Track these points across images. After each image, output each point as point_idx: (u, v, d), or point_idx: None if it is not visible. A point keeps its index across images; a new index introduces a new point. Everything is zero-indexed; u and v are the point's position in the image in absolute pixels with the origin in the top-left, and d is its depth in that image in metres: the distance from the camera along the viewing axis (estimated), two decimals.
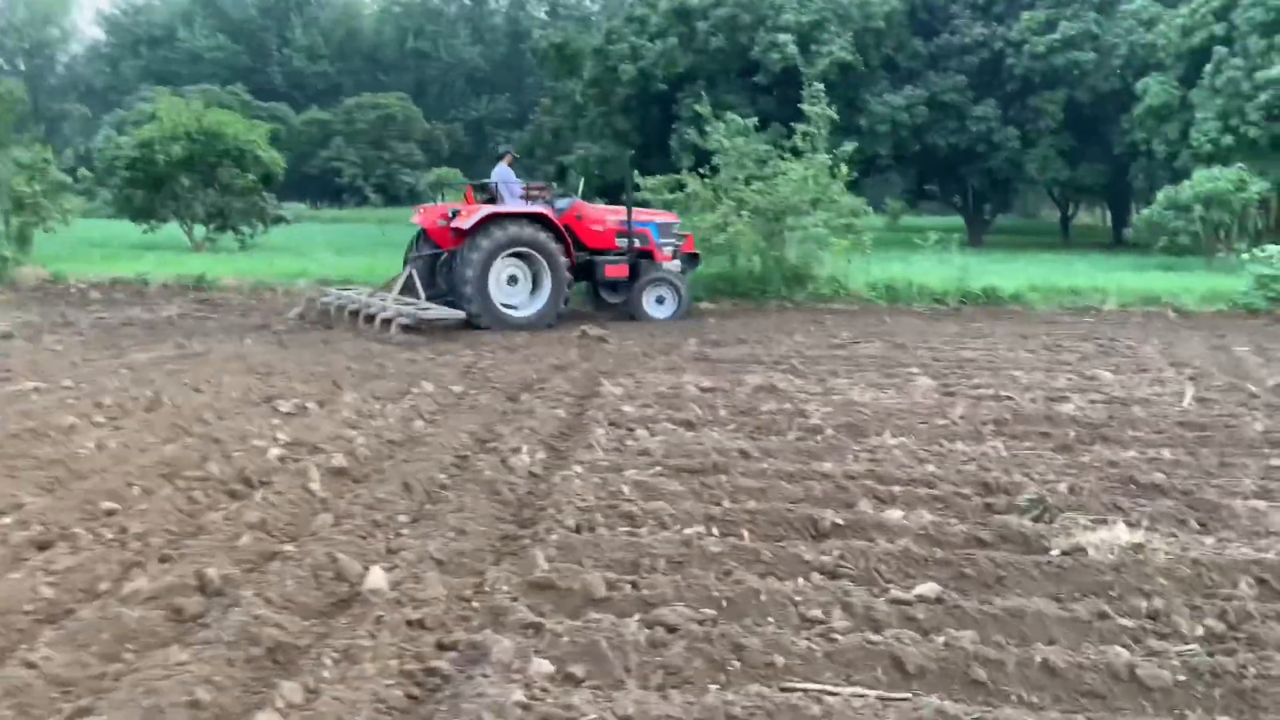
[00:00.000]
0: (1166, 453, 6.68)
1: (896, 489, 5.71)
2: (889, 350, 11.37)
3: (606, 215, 14.32)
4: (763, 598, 4.12)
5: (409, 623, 3.87)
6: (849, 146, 17.16)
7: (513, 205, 13.44)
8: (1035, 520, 5.23)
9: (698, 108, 17.94)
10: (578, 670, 3.56)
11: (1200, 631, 3.94)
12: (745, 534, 5.00)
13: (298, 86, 67.94)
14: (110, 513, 5.13)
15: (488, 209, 13.08)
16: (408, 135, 58.93)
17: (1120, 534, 4.86)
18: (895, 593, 4.23)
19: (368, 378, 9.16)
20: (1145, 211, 22.81)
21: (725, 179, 16.63)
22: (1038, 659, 3.60)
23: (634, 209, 14.46)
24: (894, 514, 5.31)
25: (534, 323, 12.83)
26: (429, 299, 13.00)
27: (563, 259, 13.10)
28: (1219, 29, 26.48)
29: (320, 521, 5.04)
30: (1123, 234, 33.22)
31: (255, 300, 16.17)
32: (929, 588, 4.24)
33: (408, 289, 13.28)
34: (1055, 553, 4.74)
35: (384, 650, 3.63)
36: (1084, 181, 33.81)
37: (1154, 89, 28.05)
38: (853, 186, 17.59)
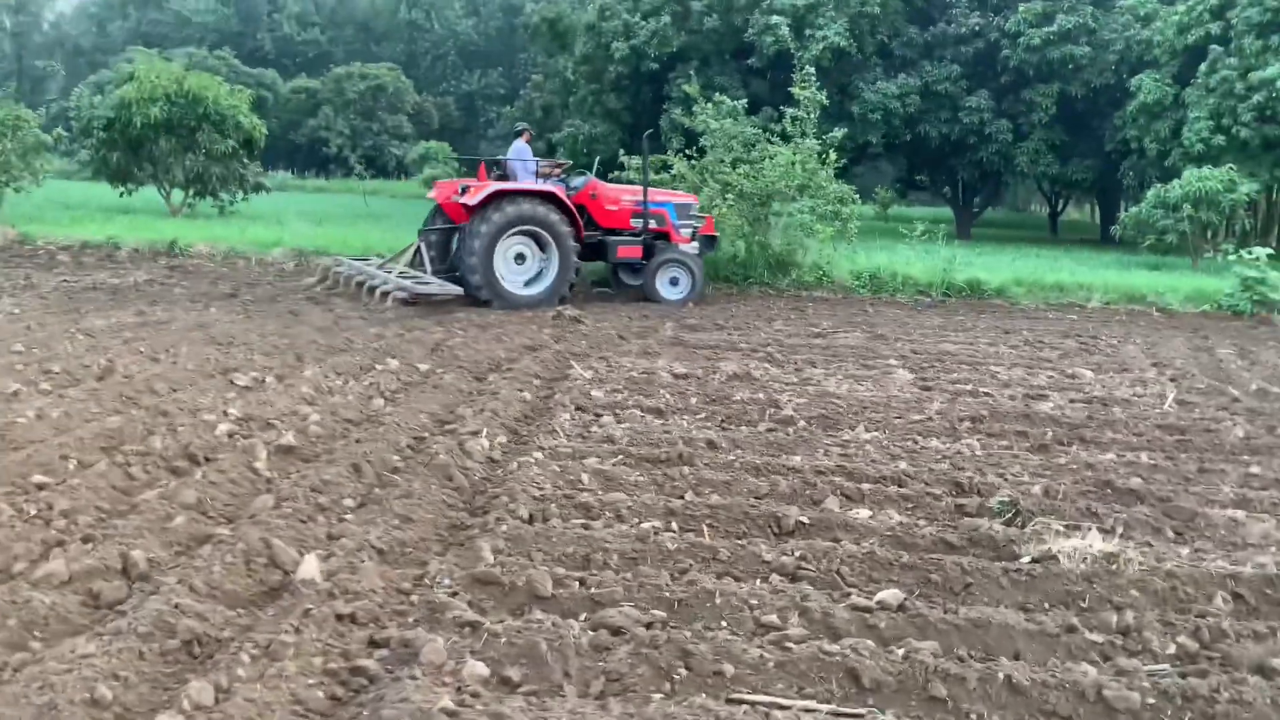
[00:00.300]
0: (1145, 457, 6.52)
1: (866, 486, 5.51)
2: (869, 341, 11.18)
3: (622, 195, 14.02)
4: (717, 600, 3.91)
5: (339, 616, 3.65)
6: (839, 133, 16.90)
7: (522, 182, 13.20)
8: (1007, 524, 5.05)
9: (686, 88, 17.66)
10: (514, 674, 3.35)
11: (1172, 650, 3.76)
12: (705, 530, 4.80)
13: (287, 53, 67.13)
14: (41, 486, 4.87)
15: (495, 185, 12.87)
16: (397, 107, 58.33)
17: (1093, 542, 4.67)
18: (856, 599, 4.03)
19: (332, 352, 8.91)
20: (1133, 209, 22.65)
21: (711, 161, 16.38)
22: (1001, 675, 3.41)
23: (651, 189, 14.19)
24: (861, 513, 5.12)
25: (540, 301, 12.63)
26: (443, 274, 12.82)
27: (571, 238, 12.84)
28: (1215, 28, 26.30)
29: (260, 503, 4.80)
30: (1111, 231, 33.11)
31: (228, 268, 15.83)
32: (892, 594, 4.04)
33: (416, 262, 13.16)
34: (1025, 560, 4.55)
35: (308, 646, 3.41)
36: (1074, 177, 33.62)
37: (1148, 86, 27.87)
38: (842, 174, 17.36)
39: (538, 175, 13.67)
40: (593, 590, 3.97)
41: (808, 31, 30.30)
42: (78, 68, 65.63)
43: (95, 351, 8.28)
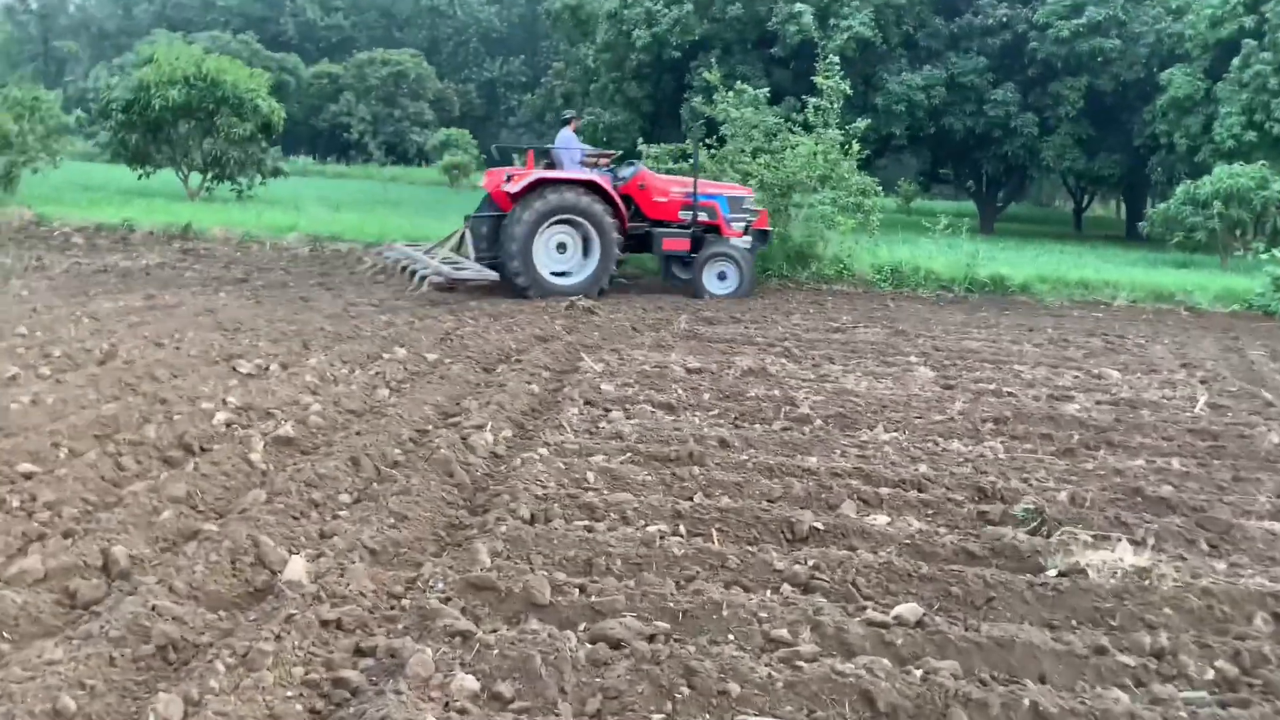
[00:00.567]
0: (1176, 463, 6.25)
1: (884, 490, 5.28)
2: (889, 337, 10.91)
3: (671, 186, 13.68)
4: (724, 612, 3.70)
5: (324, 622, 3.46)
6: (862, 123, 16.59)
7: (566, 171, 13.01)
8: (1031, 533, 4.81)
9: (707, 75, 17.37)
10: (505, 689, 3.15)
11: (1210, 675, 3.52)
12: (714, 535, 4.58)
13: (310, 38, 67.14)
14: (28, 476, 4.71)
15: (538, 173, 12.70)
16: (419, 94, 58.23)
17: (1124, 555, 4.44)
18: (872, 613, 3.81)
19: (339, 340, 8.73)
20: (1161, 205, 22.21)
21: (732, 150, 16.10)
22: (1026, 701, 3.18)
23: (704, 181, 13.91)
24: (879, 519, 4.89)
25: (579, 291, 12.41)
26: (487, 261, 12.71)
27: (613, 229, 12.61)
28: (1249, 21, 25.74)
29: (252, 498, 4.62)
30: (1138, 228, 32.59)
31: (241, 253, 15.69)
32: (909, 609, 3.82)
33: (462, 249, 13.09)
34: (1052, 572, 4.32)
35: (289, 655, 3.22)
36: (1101, 172, 33.07)
37: (1179, 80, 27.33)
38: (865, 166, 17.03)
39: (585, 164, 13.44)
40: (593, 598, 3.76)
41: (832, 21, 29.91)
42: (103, 51, 65.84)
43: (99, 335, 8.14)
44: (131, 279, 12.04)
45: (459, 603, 3.70)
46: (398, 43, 63.52)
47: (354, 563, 3.94)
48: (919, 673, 3.33)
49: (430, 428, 6.11)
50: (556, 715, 3.07)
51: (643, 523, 4.65)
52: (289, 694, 3.04)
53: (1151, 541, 4.74)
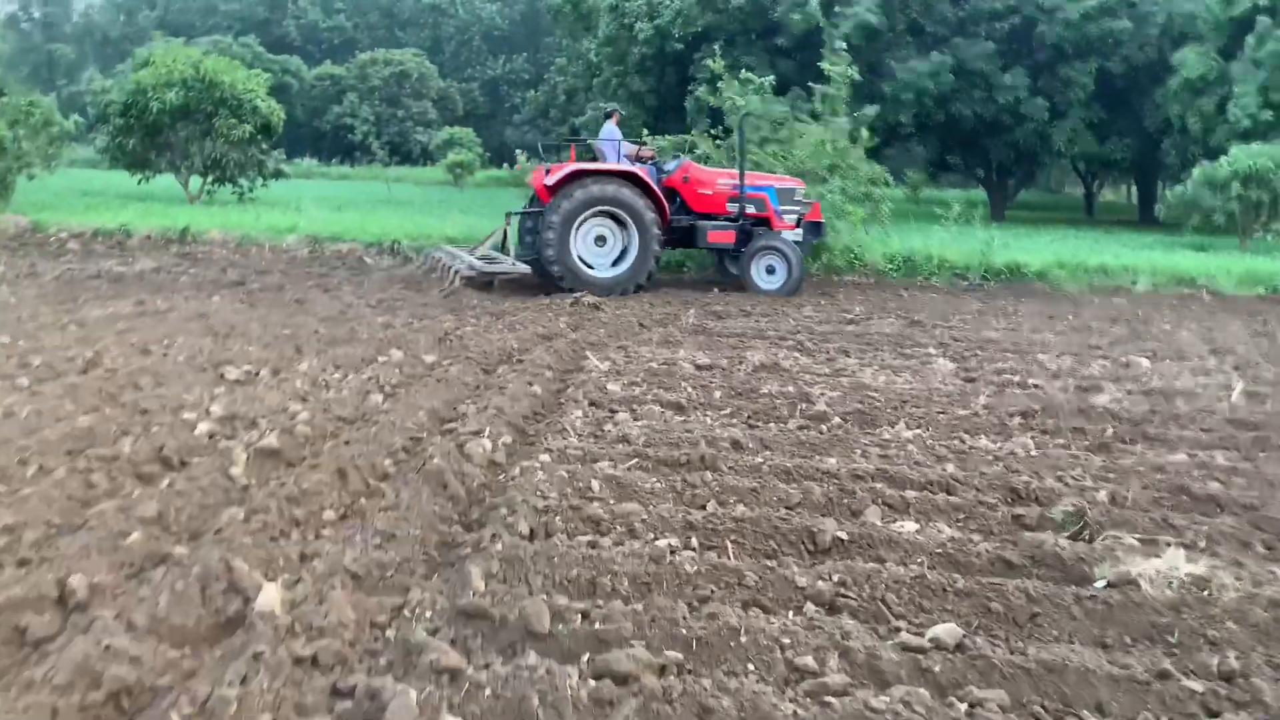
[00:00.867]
0: (1220, 457, 5.87)
1: (910, 494, 4.91)
2: (905, 328, 10.54)
3: (717, 179, 13.34)
4: (743, 638, 3.33)
5: (298, 660, 3.10)
6: (870, 111, 16.18)
7: (605, 164, 12.71)
8: (1073, 539, 4.44)
9: (710, 64, 16.98)
10: None
11: None
12: (729, 548, 4.22)
13: (312, 40, 66.90)
14: None
15: (574, 165, 12.44)
16: (422, 93, 57.90)
17: (1177, 561, 4.07)
18: (906, 635, 3.45)
19: (334, 343, 8.39)
20: (1178, 188, 21.74)
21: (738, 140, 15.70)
22: None
23: (753, 173, 13.55)
24: (907, 526, 4.52)
25: (617, 285, 12.15)
26: (527, 256, 12.52)
27: (654, 222, 12.25)
28: None
29: (229, 516, 4.26)
30: (1154, 211, 32.02)
31: (239, 256, 15.37)
32: (947, 629, 3.45)
33: (504, 245, 13.02)
34: (1100, 584, 3.95)
35: (255, 700, 2.87)
36: (1113, 156, 32.56)
37: (1191, 61, 26.79)
38: (873, 155, 16.63)
39: (628, 158, 13.12)
40: (597, 625, 3.40)
41: (837, 8, 29.42)
42: (106, 57, 65.67)
43: (84, 343, 7.82)
44: (124, 284, 11.72)
45: (448, 633, 3.34)
46: (400, 43, 63.22)
47: (334, 589, 3.58)
48: (964, 706, 2.97)
49: (424, 435, 5.75)
50: None
51: (652, 536, 4.29)
52: None
53: (1204, 545, 4.37)
